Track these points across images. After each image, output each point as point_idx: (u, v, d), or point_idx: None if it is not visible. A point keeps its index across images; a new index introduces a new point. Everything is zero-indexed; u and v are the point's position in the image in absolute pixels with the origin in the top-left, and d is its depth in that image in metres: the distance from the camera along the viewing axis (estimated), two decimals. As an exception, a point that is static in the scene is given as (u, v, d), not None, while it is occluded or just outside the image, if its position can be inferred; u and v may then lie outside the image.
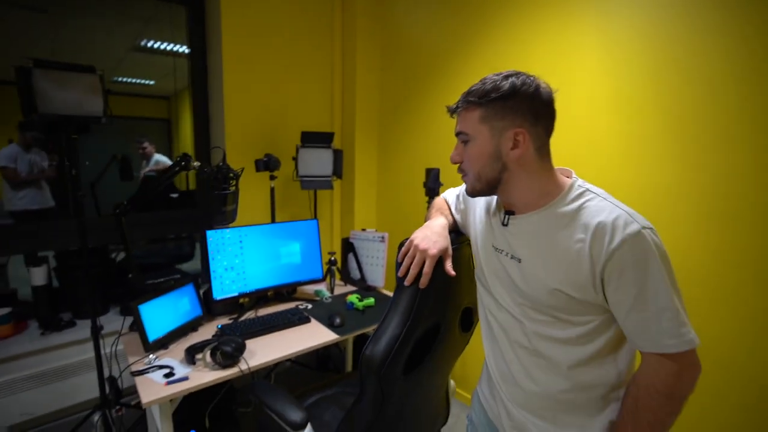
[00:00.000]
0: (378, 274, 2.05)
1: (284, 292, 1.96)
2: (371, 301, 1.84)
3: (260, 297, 1.88)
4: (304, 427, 1.16)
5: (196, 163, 1.40)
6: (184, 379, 1.28)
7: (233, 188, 1.48)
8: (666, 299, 0.70)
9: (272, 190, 2.14)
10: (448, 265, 0.92)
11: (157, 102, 6.37)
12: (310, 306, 1.86)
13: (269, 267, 1.83)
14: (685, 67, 1.36)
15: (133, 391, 1.93)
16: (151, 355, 1.40)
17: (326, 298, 1.95)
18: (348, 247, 2.16)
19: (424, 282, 0.90)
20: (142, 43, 3.96)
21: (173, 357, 1.41)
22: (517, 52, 1.82)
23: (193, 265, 2.79)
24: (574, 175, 0.84)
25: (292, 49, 2.36)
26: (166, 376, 1.29)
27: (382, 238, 2.05)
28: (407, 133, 2.40)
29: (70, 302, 2.03)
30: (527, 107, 0.77)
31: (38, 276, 1.90)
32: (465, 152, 0.84)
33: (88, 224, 1.59)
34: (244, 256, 1.75)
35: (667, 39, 1.40)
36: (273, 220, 2.19)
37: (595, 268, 0.73)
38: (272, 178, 2.11)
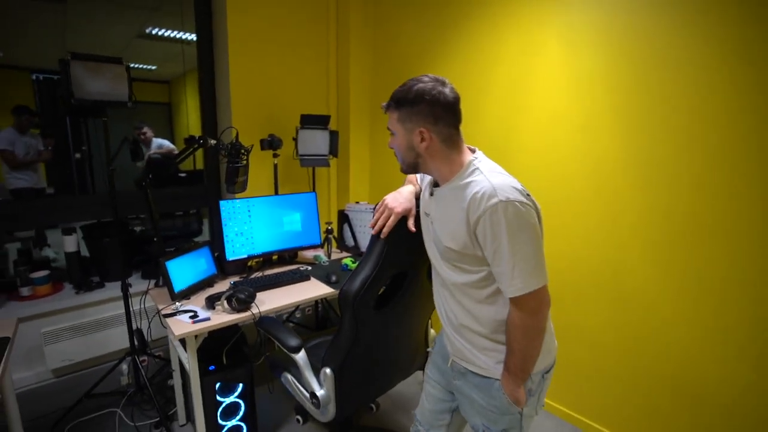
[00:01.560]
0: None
1: (287, 256, 2.23)
2: (363, 263, 2.11)
3: (266, 260, 2.15)
4: (299, 350, 1.45)
5: (213, 141, 1.64)
6: (207, 319, 1.55)
7: (244, 162, 1.73)
8: (508, 257, 0.91)
9: (275, 166, 2.39)
10: (410, 223, 1.19)
11: (157, 86, 6.48)
12: (309, 268, 2.12)
13: (274, 233, 2.09)
14: (631, 52, 1.61)
15: (157, 343, 2.23)
16: (177, 303, 1.67)
17: (324, 262, 2.22)
18: (343, 218, 2.41)
19: (384, 232, 1.17)
20: (147, 30, 4.15)
21: (195, 305, 1.68)
22: (490, 46, 2.06)
23: (202, 240, 3.05)
24: (474, 155, 1.04)
25: (291, 39, 2.58)
26: (192, 317, 1.56)
27: (374, 209, 2.30)
28: (397, 115, 2.64)
29: (99, 267, 2.30)
30: (428, 111, 0.98)
31: (70, 243, 2.16)
32: (392, 143, 1.09)
33: (106, 199, 1.84)
34: (252, 224, 2.01)
35: (617, 29, 1.64)
36: (276, 193, 2.44)
37: (470, 229, 0.96)
38: (275, 155, 2.35)
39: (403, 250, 1.26)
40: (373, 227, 1.20)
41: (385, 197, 1.23)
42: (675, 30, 1.50)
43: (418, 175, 1.36)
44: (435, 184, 1.11)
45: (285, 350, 1.46)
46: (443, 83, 1.00)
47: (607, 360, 1.81)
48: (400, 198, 1.21)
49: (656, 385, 1.67)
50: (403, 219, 1.19)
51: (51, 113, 3.80)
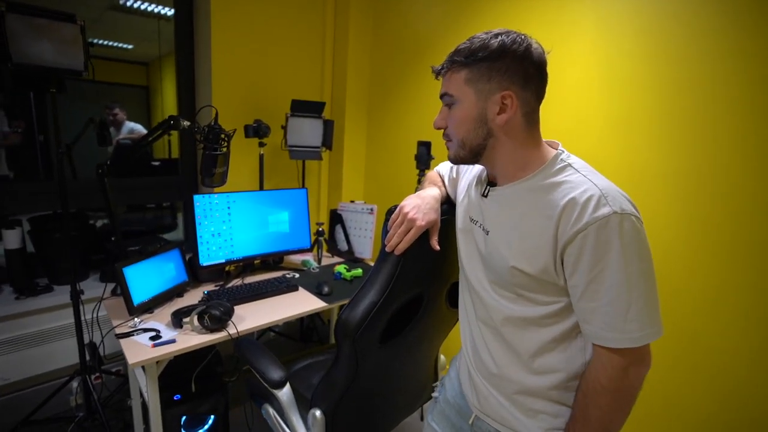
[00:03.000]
0: (366, 245, 2.05)
1: (271, 261, 1.94)
2: (359, 271, 1.85)
3: (247, 265, 1.86)
4: (283, 385, 1.17)
5: (186, 123, 1.34)
6: (171, 341, 1.26)
7: (224, 149, 1.43)
8: (619, 292, 0.65)
9: (261, 157, 2.09)
10: (434, 241, 0.90)
11: (135, 68, 6.09)
12: (297, 275, 1.85)
13: (257, 235, 1.80)
14: (679, 52, 1.37)
15: (114, 358, 1.91)
16: (135, 319, 1.37)
17: (313, 268, 1.94)
18: (336, 218, 2.14)
19: (400, 248, 0.89)
20: (121, 2, 3.75)
21: (159, 321, 1.38)
22: (511, 23, 1.80)
23: (175, 236, 2.73)
24: (560, 148, 0.79)
25: (283, 15, 2.28)
26: (153, 338, 1.27)
27: (371, 210, 2.04)
28: (398, 105, 2.37)
29: (47, 267, 1.96)
30: (516, 68, 0.72)
31: (11, 239, 1.82)
32: (449, 116, 0.79)
33: (66, 187, 1.52)
34: (231, 223, 1.72)
35: (661, 22, 1.40)
36: (261, 188, 2.15)
37: (557, 247, 0.69)
38: (261, 145, 2.06)
39: (419, 270, 0.99)
40: (388, 242, 0.91)
41: (403, 203, 0.93)
42: (733, 13, 1.27)
43: (444, 171, 1.09)
44: (491, 183, 0.83)
45: (266, 385, 1.17)
46: (527, 36, 0.75)
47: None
48: (423, 206, 0.90)
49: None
50: (424, 234, 0.90)
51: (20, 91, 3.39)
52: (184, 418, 1.37)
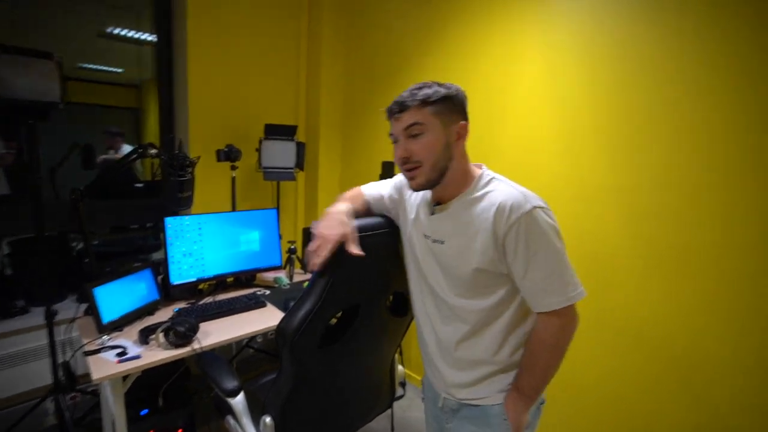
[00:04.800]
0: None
1: (243, 278, 2.01)
2: (328, 287, 1.92)
3: (219, 283, 1.93)
4: (235, 394, 1.24)
5: (153, 151, 1.44)
6: (137, 357, 1.32)
7: (189, 176, 1.52)
8: (552, 265, 0.85)
9: (233, 179, 2.19)
10: (352, 248, 0.96)
11: (127, 90, 6.25)
12: (267, 292, 1.91)
13: (228, 254, 1.88)
14: (617, 74, 1.50)
15: (89, 377, 1.96)
16: (104, 336, 1.43)
17: (284, 285, 2.01)
18: (308, 236, 2.21)
19: (316, 263, 0.95)
20: (108, 30, 3.89)
21: (127, 338, 1.44)
22: (466, 59, 1.94)
23: (160, 256, 2.79)
24: (483, 167, 0.98)
25: (258, 44, 2.41)
26: (119, 355, 1.33)
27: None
28: (369, 127, 2.49)
29: (24, 289, 2.02)
30: (463, 106, 0.93)
31: (-10, 262, 1.88)
32: (416, 145, 0.91)
33: (45, 210, 1.60)
34: (203, 243, 1.80)
35: (600, 48, 1.54)
36: (234, 209, 2.23)
37: (497, 240, 0.87)
38: (233, 168, 2.15)
39: (355, 281, 1.07)
40: (308, 262, 0.99)
41: (314, 226, 1.01)
42: (663, 39, 1.40)
43: (385, 191, 1.18)
44: (434, 203, 0.99)
45: (221, 395, 1.24)
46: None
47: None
48: (331, 222, 0.99)
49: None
50: (342, 246, 0.97)
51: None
52: (150, 432, 1.42)
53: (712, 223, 1.34)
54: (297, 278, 2.13)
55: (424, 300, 1.05)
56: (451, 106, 0.91)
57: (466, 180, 0.94)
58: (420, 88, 0.90)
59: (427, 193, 1.02)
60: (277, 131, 2.26)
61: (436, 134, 0.90)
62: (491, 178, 0.94)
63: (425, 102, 0.89)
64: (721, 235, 1.33)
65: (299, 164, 2.35)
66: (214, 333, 1.50)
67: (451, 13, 2.00)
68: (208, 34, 2.20)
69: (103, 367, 1.27)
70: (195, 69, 2.19)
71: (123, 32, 4.01)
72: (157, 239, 2.99)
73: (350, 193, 1.19)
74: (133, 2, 3.22)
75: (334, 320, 1.20)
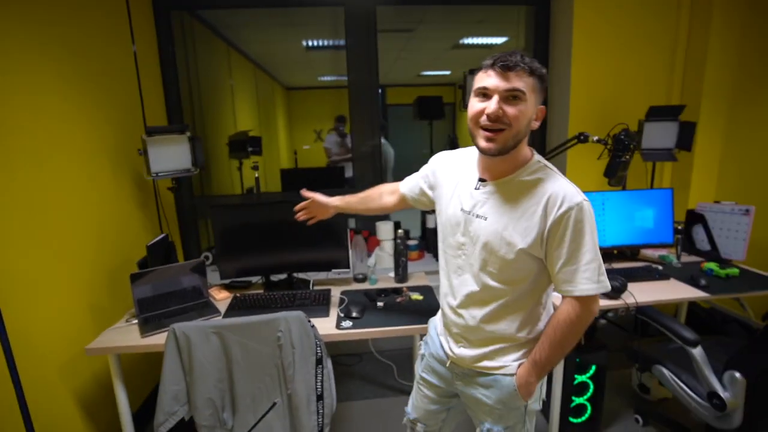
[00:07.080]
0: (738, 247, 2.02)
1: (628, 252, 2.19)
2: (735, 271, 1.87)
3: (606, 253, 2.17)
4: (697, 345, 1.42)
5: (595, 137, 1.77)
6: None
7: (627, 157, 1.79)
8: (592, 255, 0.94)
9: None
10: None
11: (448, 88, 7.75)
12: (660, 267, 2.03)
13: (625, 227, 2.10)
14: None
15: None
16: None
17: (675, 263, 2.08)
18: (694, 218, 2.19)
19: None
20: (461, 41, 4.78)
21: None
22: None
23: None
24: (535, 153, 1.04)
25: (633, 26, 2.47)
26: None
27: (747, 211, 2.00)
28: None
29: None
30: (545, 92, 0.97)
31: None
32: (512, 109, 0.92)
33: None
34: (605, 216, 2.08)
35: None
36: (624, 188, 2.38)
37: (545, 227, 0.94)
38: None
39: None
40: None
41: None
42: None
43: (417, 176, 1.32)
44: (481, 179, 1.05)
45: (681, 342, 1.45)
46: None
47: None
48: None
49: None
50: None
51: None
52: (577, 358, 1.81)
53: None
54: (683, 259, 2.14)
55: (451, 275, 1.11)
56: (544, 87, 0.95)
57: (522, 160, 1.01)
58: (523, 57, 0.91)
59: (468, 170, 1.09)
60: (661, 112, 2.29)
61: (528, 106, 0.93)
62: (543, 165, 1.00)
63: (533, 72, 0.92)
64: None
65: (684, 145, 2.31)
66: (637, 295, 1.73)
67: None
68: (590, 28, 2.42)
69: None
70: (578, 64, 2.45)
71: (473, 40, 4.81)
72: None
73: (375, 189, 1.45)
74: (496, 14, 3.82)
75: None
